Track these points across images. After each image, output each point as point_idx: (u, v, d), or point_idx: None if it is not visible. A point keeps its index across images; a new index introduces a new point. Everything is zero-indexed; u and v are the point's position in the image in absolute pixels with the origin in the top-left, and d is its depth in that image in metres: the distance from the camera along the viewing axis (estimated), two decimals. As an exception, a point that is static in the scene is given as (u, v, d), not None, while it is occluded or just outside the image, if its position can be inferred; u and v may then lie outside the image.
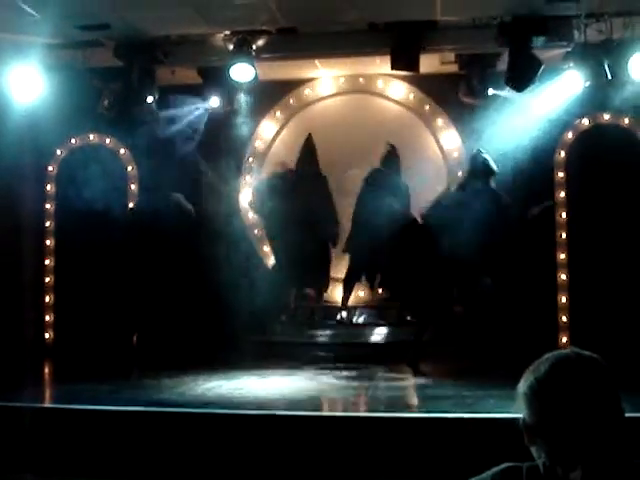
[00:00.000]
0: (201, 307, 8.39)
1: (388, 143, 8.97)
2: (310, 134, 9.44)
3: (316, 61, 9.10)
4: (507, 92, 8.14)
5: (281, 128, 10.00)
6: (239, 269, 8.84)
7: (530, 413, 1.69)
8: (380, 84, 9.76)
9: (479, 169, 7.68)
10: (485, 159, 7.70)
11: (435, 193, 9.52)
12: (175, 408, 5.36)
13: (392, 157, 8.96)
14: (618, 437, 1.64)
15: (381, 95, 9.81)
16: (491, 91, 8.56)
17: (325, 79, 9.85)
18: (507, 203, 7.64)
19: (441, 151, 9.68)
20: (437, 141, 9.70)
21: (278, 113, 9.95)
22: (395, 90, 9.75)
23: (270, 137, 9.99)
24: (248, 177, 9.85)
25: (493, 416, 4.76)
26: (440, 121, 9.66)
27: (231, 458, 4.82)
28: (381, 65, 8.90)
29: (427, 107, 9.68)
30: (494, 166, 7.69)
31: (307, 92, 9.92)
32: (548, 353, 1.73)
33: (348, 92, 9.90)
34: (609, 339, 7.61)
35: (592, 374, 1.66)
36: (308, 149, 9.41)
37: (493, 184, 7.70)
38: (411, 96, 9.72)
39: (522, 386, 1.73)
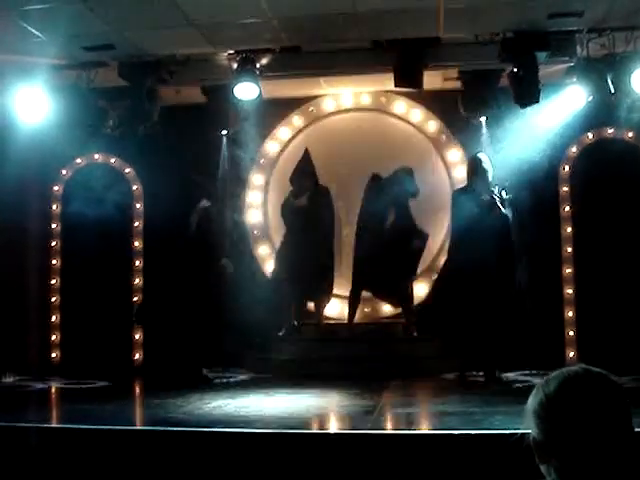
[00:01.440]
0: (204, 323, 8.37)
1: (372, 173, 9.02)
2: (307, 149, 9.43)
3: (320, 79, 9.14)
4: (509, 108, 8.16)
5: (285, 146, 10.04)
6: (242, 286, 8.86)
7: (540, 430, 1.68)
8: (384, 101, 9.80)
9: (480, 170, 7.71)
10: (483, 160, 7.78)
11: (439, 208, 9.61)
12: (182, 427, 5.35)
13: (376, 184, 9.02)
14: (629, 454, 1.63)
15: (385, 112, 9.84)
16: (483, 119, 8.65)
17: (329, 97, 9.89)
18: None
19: (445, 166, 9.71)
20: (442, 157, 9.72)
21: (283, 129, 9.99)
22: (400, 108, 9.78)
23: (275, 155, 10.02)
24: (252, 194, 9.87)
25: (501, 432, 4.73)
26: (444, 137, 9.69)
27: (238, 477, 4.79)
28: (384, 82, 8.94)
29: (431, 123, 9.71)
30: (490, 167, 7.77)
31: (311, 110, 9.96)
32: (557, 370, 1.73)
33: (352, 109, 9.93)
34: (616, 353, 7.59)
35: (602, 391, 1.65)
36: (306, 163, 9.39)
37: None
38: (414, 113, 9.75)
39: (531, 403, 1.72)
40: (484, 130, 8.66)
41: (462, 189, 7.96)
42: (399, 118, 9.83)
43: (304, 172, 9.17)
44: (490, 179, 7.65)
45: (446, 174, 9.68)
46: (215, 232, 8.35)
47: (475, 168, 7.77)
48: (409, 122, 9.80)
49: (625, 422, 1.64)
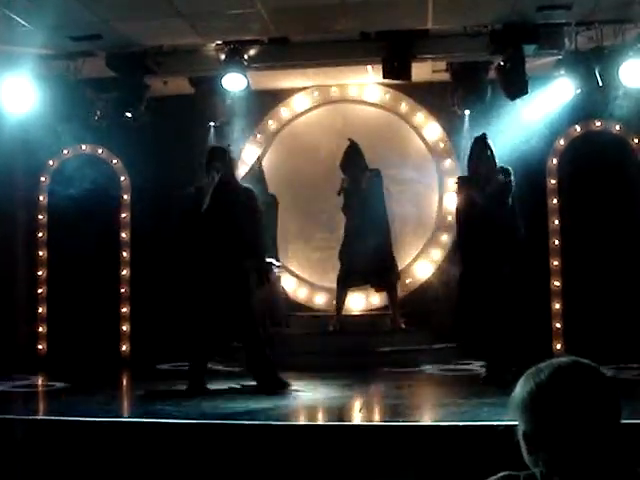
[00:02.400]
0: (195, 314, 8.33)
1: (349, 139, 9.01)
2: (259, 157, 9.45)
3: (308, 70, 9.12)
4: (498, 100, 8.17)
5: (273, 137, 10.04)
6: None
7: (528, 421, 1.67)
8: (371, 93, 9.81)
9: (484, 154, 7.21)
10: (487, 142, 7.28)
11: (427, 202, 9.66)
12: (170, 419, 5.34)
13: (354, 153, 9.00)
14: (618, 445, 1.63)
15: (373, 104, 9.86)
16: (467, 111, 8.61)
17: (317, 88, 9.88)
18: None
19: (433, 159, 9.75)
20: (429, 149, 9.76)
21: (270, 122, 9.99)
22: (387, 99, 9.80)
23: (262, 146, 10.03)
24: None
25: (487, 424, 4.74)
26: (431, 129, 9.72)
27: (226, 469, 4.79)
28: (373, 74, 8.92)
29: (419, 115, 9.74)
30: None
31: (298, 101, 9.96)
32: (546, 360, 1.72)
33: (340, 101, 9.94)
34: (603, 345, 7.62)
35: (594, 383, 1.65)
36: (258, 173, 9.42)
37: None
38: (402, 105, 9.77)
39: (519, 393, 1.71)
40: (466, 121, 8.65)
41: (466, 178, 7.36)
42: (388, 110, 9.86)
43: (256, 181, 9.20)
44: (495, 162, 7.17)
45: (431, 159, 9.74)
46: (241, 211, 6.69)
47: (479, 152, 7.24)
48: (398, 114, 9.84)
49: (615, 414, 1.64)
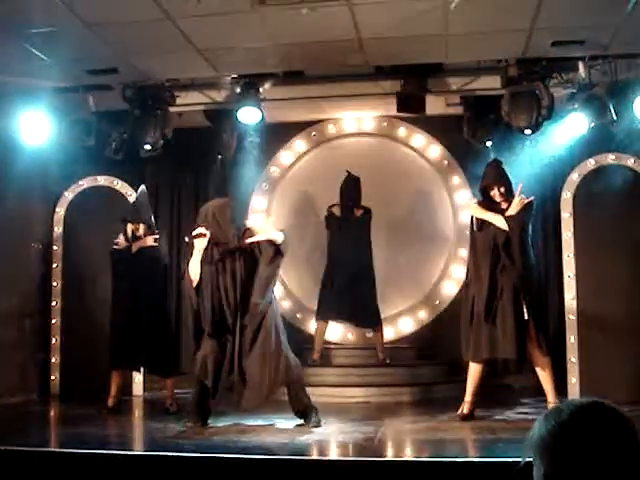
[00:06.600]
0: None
1: (347, 171, 9.02)
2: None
3: (323, 103, 9.18)
4: (511, 134, 8.18)
5: (287, 170, 10.12)
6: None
7: (549, 459, 1.65)
8: (385, 125, 9.88)
9: (500, 177, 7.07)
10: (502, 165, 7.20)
11: (443, 229, 9.69)
12: (180, 452, 5.30)
13: (352, 185, 9.01)
14: None
15: (389, 137, 9.93)
16: (489, 143, 8.60)
17: (331, 121, 9.96)
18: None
19: (447, 192, 9.80)
20: (445, 182, 9.82)
21: (285, 155, 10.08)
22: (401, 132, 9.87)
23: (277, 179, 10.11)
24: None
25: (502, 460, 4.69)
26: (446, 163, 9.80)
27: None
28: (387, 107, 8.98)
29: (434, 148, 9.81)
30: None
31: (313, 134, 10.02)
32: (566, 400, 1.71)
33: (354, 134, 10.01)
34: (618, 380, 7.54)
35: (615, 422, 1.63)
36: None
37: None
38: (418, 138, 9.84)
39: (539, 431, 1.69)
40: (487, 155, 8.62)
41: (480, 202, 7.15)
42: (402, 143, 9.93)
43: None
44: (512, 186, 7.03)
45: (448, 201, 9.80)
46: None
47: (495, 174, 7.07)
48: (412, 147, 9.91)
49: (636, 454, 1.62)
